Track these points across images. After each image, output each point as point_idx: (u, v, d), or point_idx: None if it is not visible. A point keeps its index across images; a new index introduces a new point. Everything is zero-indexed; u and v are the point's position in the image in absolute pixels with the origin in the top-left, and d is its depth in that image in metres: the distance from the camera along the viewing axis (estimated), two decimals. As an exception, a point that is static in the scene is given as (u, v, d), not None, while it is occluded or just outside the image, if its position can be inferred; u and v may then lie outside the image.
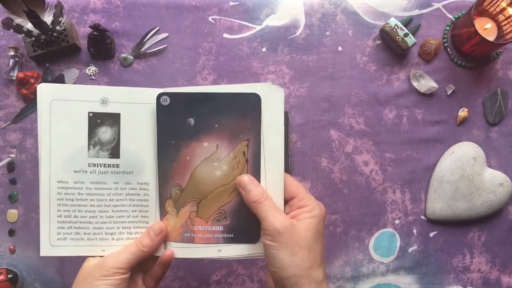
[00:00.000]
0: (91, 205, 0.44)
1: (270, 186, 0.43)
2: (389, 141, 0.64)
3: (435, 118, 0.64)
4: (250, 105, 0.43)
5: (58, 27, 0.58)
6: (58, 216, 0.43)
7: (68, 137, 0.43)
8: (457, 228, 0.64)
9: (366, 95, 0.64)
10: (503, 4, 0.60)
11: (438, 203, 0.62)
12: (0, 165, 0.62)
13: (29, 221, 0.62)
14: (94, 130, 0.43)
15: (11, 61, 0.61)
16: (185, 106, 0.43)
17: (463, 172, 0.61)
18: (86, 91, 0.43)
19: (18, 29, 0.56)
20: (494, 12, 0.62)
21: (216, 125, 0.43)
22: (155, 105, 0.43)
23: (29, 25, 0.57)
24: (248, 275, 0.64)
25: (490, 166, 0.64)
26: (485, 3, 0.61)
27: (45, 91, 0.42)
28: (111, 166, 0.44)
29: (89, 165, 0.43)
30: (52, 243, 0.44)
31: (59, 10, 0.56)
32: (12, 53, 0.61)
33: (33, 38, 0.58)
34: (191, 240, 0.44)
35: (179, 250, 0.45)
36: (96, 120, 0.43)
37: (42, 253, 0.44)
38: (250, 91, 0.43)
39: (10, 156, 0.62)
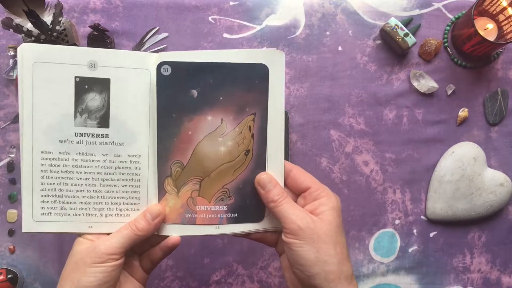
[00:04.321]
0: (77, 178, 0.40)
1: (272, 159, 0.41)
2: (389, 141, 0.64)
3: (435, 118, 0.64)
4: (257, 76, 0.40)
5: (58, 27, 0.58)
6: (41, 190, 0.40)
7: (52, 103, 0.39)
8: (457, 228, 0.64)
9: (366, 95, 0.64)
10: (504, 4, 0.60)
11: (438, 203, 0.62)
12: (0, 165, 0.62)
13: (29, 221, 0.62)
14: (81, 96, 0.40)
15: (11, 61, 0.61)
16: (187, 77, 0.40)
17: (463, 172, 0.61)
18: (72, 53, 0.39)
19: (18, 29, 0.56)
20: (494, 12, 0.62)
21: (221, 98, 0.40)
22: (148, 70, 0.40)
23: (29, 25, 0.56)
24: (248, 275, 0.64)
25: (490, 166, 0.64)
26: (485, 3, 0.60)
27: (27, 52, 0.38)
28: (100, 136, 0.40)
29: (75, 134, 0.40)
30: (36, 219, 0.40)
31: (59, 10, 0.56)
32: (12, 53, 0.61)
33: (33, 38, 0.58)
34: (192, 221, 0.42)
35: (176, 228, 0.42)
36: (84, 86, 0.39)
37: (24, 229, 0.40)
38: (255, 58, 0.40)
39: (10, 156, 0.62)
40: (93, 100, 0.40)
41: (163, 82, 0.40)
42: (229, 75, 0.40)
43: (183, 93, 0.40)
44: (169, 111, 0.40)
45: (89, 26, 0.61)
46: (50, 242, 0.62)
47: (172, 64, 0.40)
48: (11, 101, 0.62)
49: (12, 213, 0.62)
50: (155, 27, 0.63)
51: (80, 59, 0.39)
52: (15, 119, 0.62)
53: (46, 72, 0.39)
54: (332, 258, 0.37)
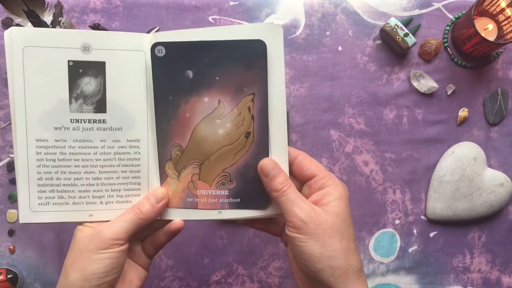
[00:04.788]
0: (75, 166, 0.39)
1: (274, 142, 0.40)
2: (389, 141, 0.64)
3: (435, 118, 0.64)
4: (255, 53, 0.38)
5: (58, 27, 0.58)
6: (38, 179, 0.39)
7: (45, 89, 0.38)
8: (457, 228, 0.64)
9: (366, 95, 0.64)
10: (503, 5, 0.60)
11: (438, 203, 0.62)
12: (0, 165, 0.62)
13: (29, 221, 0.62)
14: (76, 81, 0.38)
15: (11, 61, 0.61)
16: (182, 57, 0.39)
17: (463, 172, 0.61)
18: (64, 36, 0.38)
19: (18, 29, 0.56)
20: (494, 12, 0.62)
21: (217, 78, 0.39)
22: (143, 52, 0.39)
23: (29, 25, 0.56)
24: (248, 275, 0.64)
25: (490, 166, 0.64)
26: (485, 3, 0.60)
27: (15, 36, 0.37)
28: (97, 121, 0.39)
29: (71, 121, 0.39)
30: (33, 209, 0.39)
31: (59, 10, 0.56)
32: (12, 53, 0.61)
33: (33, 38, 0.58)
34: (194, 206, 0.41)
35: (178, 213, 0.41)
36: (78, 70, 0.38)
37: (21, 220, 0.39)
38: (251, 34, 0.38)
39: (10, 156, 0.62)
40: (88, 84, 0.39)
41: (158, 64, 0.39)
42: (224, 54, 0.39)
43: (178, 74, 0.39)
44: (166, 93, 0.40)
45: (89, 26, 0.61)
46: (50, 242, 0.62)
47: (166, 44, 0.39)
48: (11, 101, 0.62)
49: (12, 213, 0.62)
50: (155, 27, 0.63)
51: (73, 42, 0.38)
52: (15, 119, 0.62)
53: (37, 57, 0.38)
54: (338, 253, 0.35)
